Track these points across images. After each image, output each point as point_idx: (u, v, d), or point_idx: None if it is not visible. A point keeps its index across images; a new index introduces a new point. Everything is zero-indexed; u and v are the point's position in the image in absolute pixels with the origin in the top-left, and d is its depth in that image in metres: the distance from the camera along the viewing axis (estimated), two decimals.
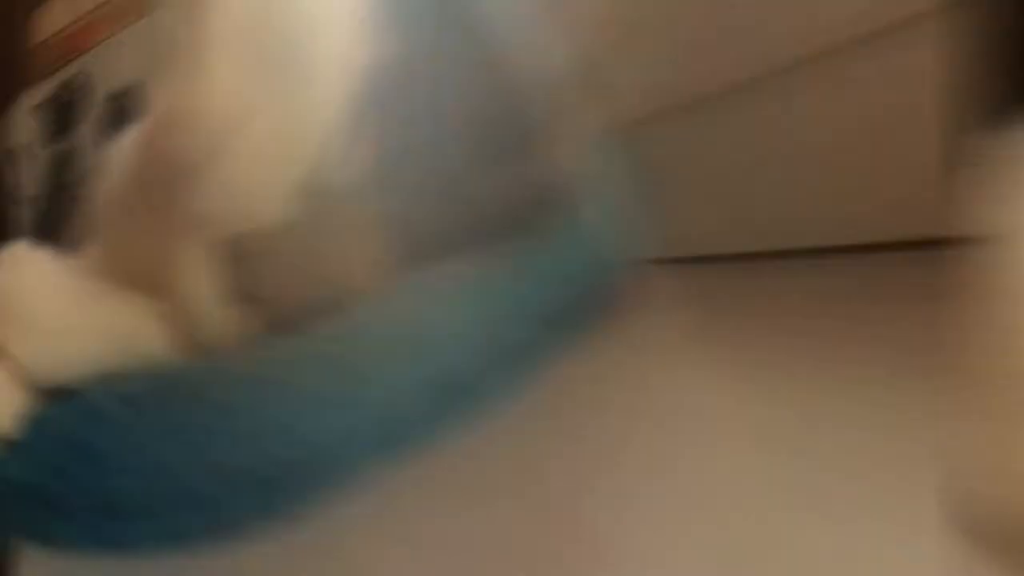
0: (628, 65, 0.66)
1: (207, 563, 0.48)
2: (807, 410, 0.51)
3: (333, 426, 0.51)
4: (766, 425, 0.51)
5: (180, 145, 0.53)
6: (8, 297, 0.55)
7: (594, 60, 0.65)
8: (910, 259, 0.59)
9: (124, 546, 0.47)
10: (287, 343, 0.54)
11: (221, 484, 0.48)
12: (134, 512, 0.47)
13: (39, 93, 1.62)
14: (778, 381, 0.54)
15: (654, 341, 0.59)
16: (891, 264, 0.61)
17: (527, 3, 0.63)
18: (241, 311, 0.56)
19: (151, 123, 0.60)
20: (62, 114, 1.57)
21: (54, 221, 1.57)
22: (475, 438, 0.55)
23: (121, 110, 1.34)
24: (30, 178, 1.63)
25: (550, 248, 0.62)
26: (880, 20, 0.58)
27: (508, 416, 0.53)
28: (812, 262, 0.65)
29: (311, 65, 0.54)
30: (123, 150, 0.64)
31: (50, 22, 1.59)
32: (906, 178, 0.59)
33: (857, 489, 0.44)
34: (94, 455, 0.46)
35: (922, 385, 0.45)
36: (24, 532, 0.49)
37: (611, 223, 0.62)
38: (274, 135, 0.53)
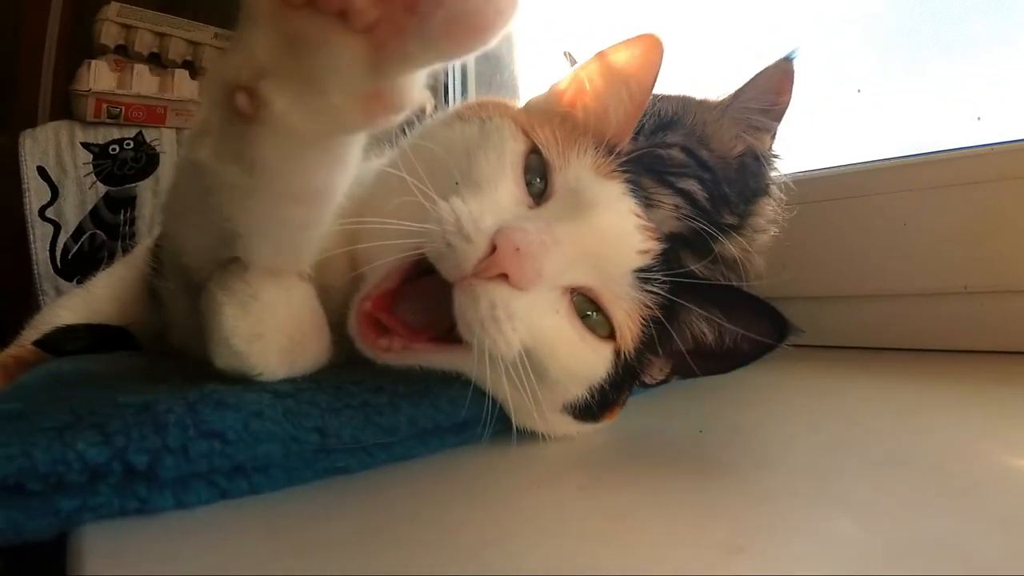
0: None
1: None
2: None
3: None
4: None
5: None
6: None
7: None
8: None
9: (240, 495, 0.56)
10: None
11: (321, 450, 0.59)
12: (254, 470, 0.56)
13: (87, 133, 1.73)
14: None
15: None
16: None
17: None
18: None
19: None
20: (124, 165, 1.69)
21: (97, 250, 1.68)
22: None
23: None
24: (74, 206, 1.72)
25: None
26: None
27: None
28: None
29: None
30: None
31: (96, 78, 1.70)
32: None
33: None
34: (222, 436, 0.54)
35: None
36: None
37: None
38: None
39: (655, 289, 0.70)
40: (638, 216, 0.72)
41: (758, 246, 1.08)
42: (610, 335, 0.70)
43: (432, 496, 0.59)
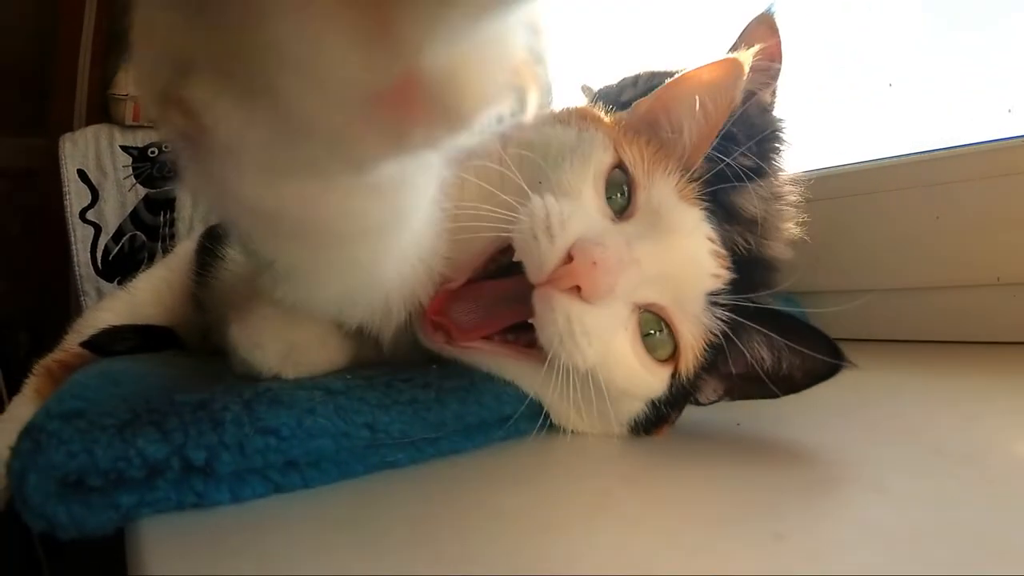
0: None
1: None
2: None
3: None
4: None
5: None
6: None
7: None
8: None
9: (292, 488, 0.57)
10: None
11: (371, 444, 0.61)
12: (306, 465, 0.58)
13: (125, 136, 1.75)
14: None
15: None
16: None
17: None
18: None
19: None
20: (163, 168, 1.72)
21: (137, 251, 1.71)
22: None
23: None
24: (114, 208, 1.74)
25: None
26: None
27: None
28: None
29: None
30: None
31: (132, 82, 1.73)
32: None
33: None
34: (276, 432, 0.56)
35: None
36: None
37: None
38: None
39: (722, 314, 0.71)
40: (712, 242, 0.73)
41: (785, 214, 1.08)
42: (671, 355, 0.71)
43: (478, 487, 0.61)
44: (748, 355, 0.72)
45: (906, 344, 1.20)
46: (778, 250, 1.07)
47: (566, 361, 0.65)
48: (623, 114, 0.83)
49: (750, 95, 1.04)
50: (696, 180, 0.75)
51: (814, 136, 1.11)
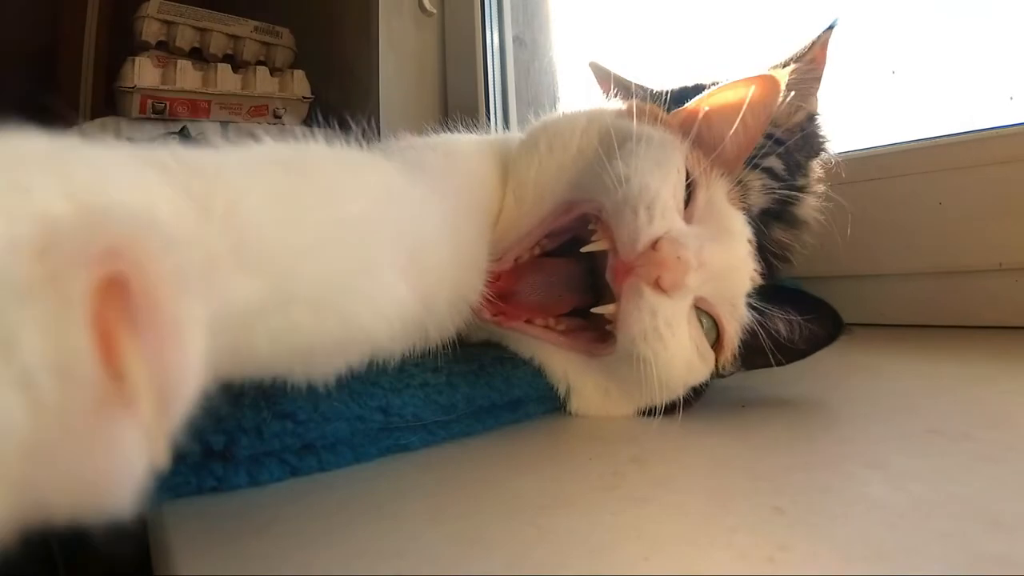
0: None
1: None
2: None
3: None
4: None
5: None
6: None
7: None
8: None
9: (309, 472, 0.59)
10: None
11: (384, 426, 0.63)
12: (322, 448, 0.60)
13: (133, 128, 1.76)
14: None
15: None
16: None
17: None
18: None
19: None
20: None
21: None
22: None
23: None
24: None
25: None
26: None
27: None
28: None
29: None
30: None
31: (141, 75, 1.74)
32: None
33: None
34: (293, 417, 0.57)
35: None
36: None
37: None
38: None
39: (755, 304, 0.76)
40: (751, 244, 0.77)
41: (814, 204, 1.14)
42: (715, 343, 0.74)
43: (490, 469, 0.62)
44: (771, 333, 0.76)
45: (908, 328, 1.21)
46: (801, 241, 1.14)
47: (644, 353, 0.67)
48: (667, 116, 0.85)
49: (806, 114, 1.13)
50: (738, 184, 0.80)
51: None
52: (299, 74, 2.16)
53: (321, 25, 2.23)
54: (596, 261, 0.73)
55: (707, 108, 0.81)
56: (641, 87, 1.26)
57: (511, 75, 2.06)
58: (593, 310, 0.71)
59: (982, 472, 0.55)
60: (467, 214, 0.71)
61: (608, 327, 0.70)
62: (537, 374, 0.75)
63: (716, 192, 0.77)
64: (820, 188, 1.14)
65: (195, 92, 1.97)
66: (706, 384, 0.75)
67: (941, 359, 0.99)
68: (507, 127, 1.85)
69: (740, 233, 0.76)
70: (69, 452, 0.27)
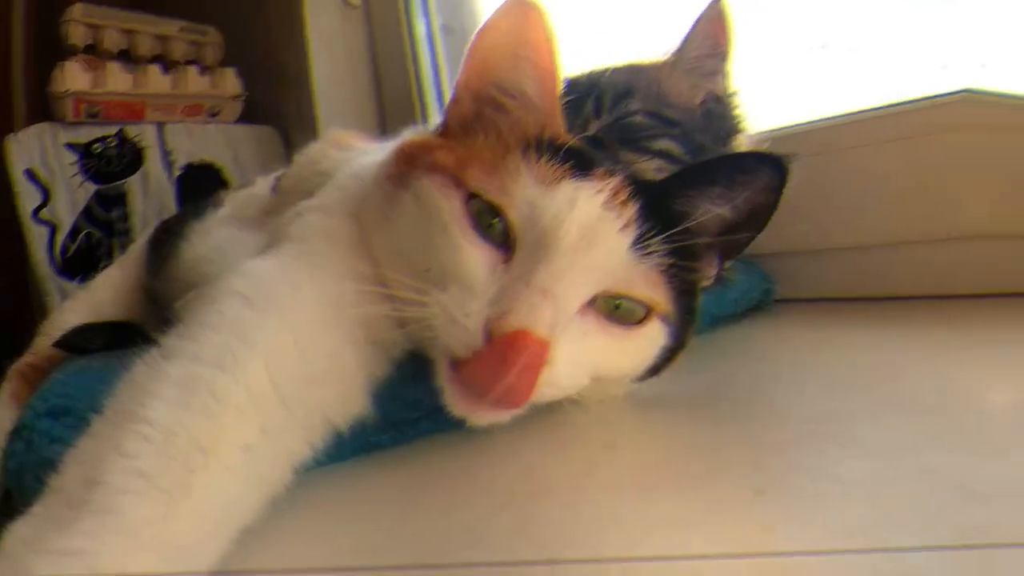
0: None
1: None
2: None
3: None
4: None
5: None
6: None
7: None
8: None
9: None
10: None
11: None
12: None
13: (69, 133, 1.75)
14: None
15: None
16: None
17: None
18: None
19: None
20: (110, 163, 1.75)
21: (95, 248, 1.71)
22: None
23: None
24: (66, 205, 1.75)
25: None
26: None
27: None
28: None
29: None
30: None
31: (71, 79, 1.72)
32: None
33: None
34: None
35: None
36: None
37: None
38: None
39: (657, 238, 0.65)
40: (599, 195, 0.64)
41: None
42: (647, 312, 0.66)
43: (462, 461, 0.63)
44: (709, 224, 0.69)
45: (867, 301, 1.23)
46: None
47: (567, 399, 0.65)
48: (438, 123, 0.77)
49: (709, 94, 1.07)
50: (560, 148, 0.67)
51: (750, 100, 1.12)
52: (229, 72, 2.13)
53: (247, 22, 2.20)
54: None
55: (479, 71, 0.72)
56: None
57: (443, 64, 2.05)
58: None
59: (953, 443, 0.57)
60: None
61: None
62: None
63: (524, 191, 0.64)
64: None
65: (127, 94, 1.94)
66: (683, 326, 0.70)
67: (902, 330, 1.00)
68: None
69: (569, 212, 0.62)
70: None
